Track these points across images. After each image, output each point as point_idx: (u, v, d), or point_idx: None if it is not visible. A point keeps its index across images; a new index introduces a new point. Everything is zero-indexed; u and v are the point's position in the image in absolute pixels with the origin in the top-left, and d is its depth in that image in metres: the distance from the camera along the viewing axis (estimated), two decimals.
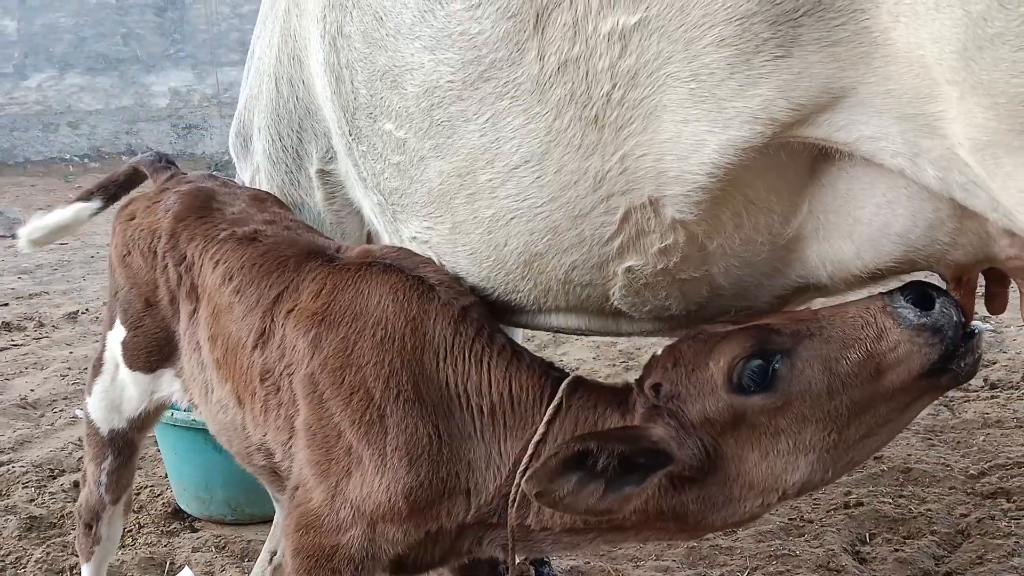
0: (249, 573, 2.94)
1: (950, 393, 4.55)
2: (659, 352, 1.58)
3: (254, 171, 2.51)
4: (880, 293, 1.42)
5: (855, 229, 1.37)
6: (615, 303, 1.65)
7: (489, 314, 1.76)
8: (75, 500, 3.45)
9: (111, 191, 2.49)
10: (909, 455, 3.84)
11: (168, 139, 14.17)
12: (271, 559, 2.80)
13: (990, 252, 1.31)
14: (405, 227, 1.85)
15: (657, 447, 1.45)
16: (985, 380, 4.68)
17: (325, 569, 1.69)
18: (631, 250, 1.51)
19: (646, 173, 1.40)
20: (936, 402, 4.42)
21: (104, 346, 2.28)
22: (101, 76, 14.09)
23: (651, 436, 1.47)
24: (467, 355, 1.66)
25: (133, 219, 2.19)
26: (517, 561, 1.67)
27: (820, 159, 1.35)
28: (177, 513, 3.47)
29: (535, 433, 1.59)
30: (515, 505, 1.59)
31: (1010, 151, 1.06)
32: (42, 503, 3.46)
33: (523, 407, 1.63)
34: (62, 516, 3.36)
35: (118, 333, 2.20)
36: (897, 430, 1.48)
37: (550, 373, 1.68)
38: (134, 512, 3.42)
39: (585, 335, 1.90)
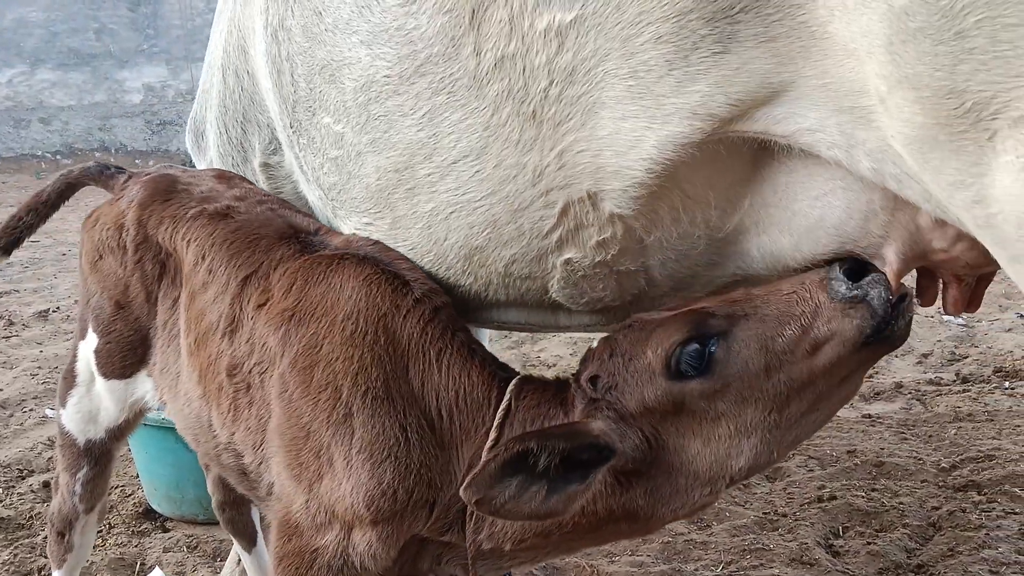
0: (220, 573, 2.91)
1: (922, 387, 4.60)
2: (595, 344, 1.56)
3: (208, 166, 2.50)
4: (815, 268, 1.42)
5: (793, 221, 1.38)
6: (553, 295, 1.65)
7: (456, 315, 1.72)
8: (44, 501, 3.42)
9: (39, 214, 2.35)
10: (882, 449, 3.87)
11: (142, 135, 14.03)
12: (240, 559, 2.77)
13: (920, 246, 1.32)
14: (345, 223, 1.83)
15: (598, 441, 1.42)
16: (957, 375, 4.74)
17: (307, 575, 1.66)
18: (570, 243, 1.51)
19: (584, 168, 1.40)
20: (909, 396, 4.47)
21: (76, 357, 2.21)
22: (73, 71, 13.93)
23: (591, 431, 1.44)
24: (430, 354, 1.62)
25: (99, 221, 2.11)
26: None
27: (761, 154, 1.36)
28: (148, 513, 3.43)
29: (487, 439, 1.56)
30: (472, 517, 1.56)
31: (935, 145, 1.07)
32: (10, 504, 3.41)
33: (472, 408, 1.60)
34: (31, 517, 3.32)
35: (90, 342, 2.14)
36: (838, 404, 1.47)
37: (498, 373, 1.65)
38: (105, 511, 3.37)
39: (524, 330, 1.89)
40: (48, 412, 4.34)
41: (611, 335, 1.54)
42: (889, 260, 1.38)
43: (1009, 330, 5.36)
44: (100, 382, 2.15)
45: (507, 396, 1.58)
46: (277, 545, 1.70)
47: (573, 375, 1.59)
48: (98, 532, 3.25)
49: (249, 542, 2.72)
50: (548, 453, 1.37)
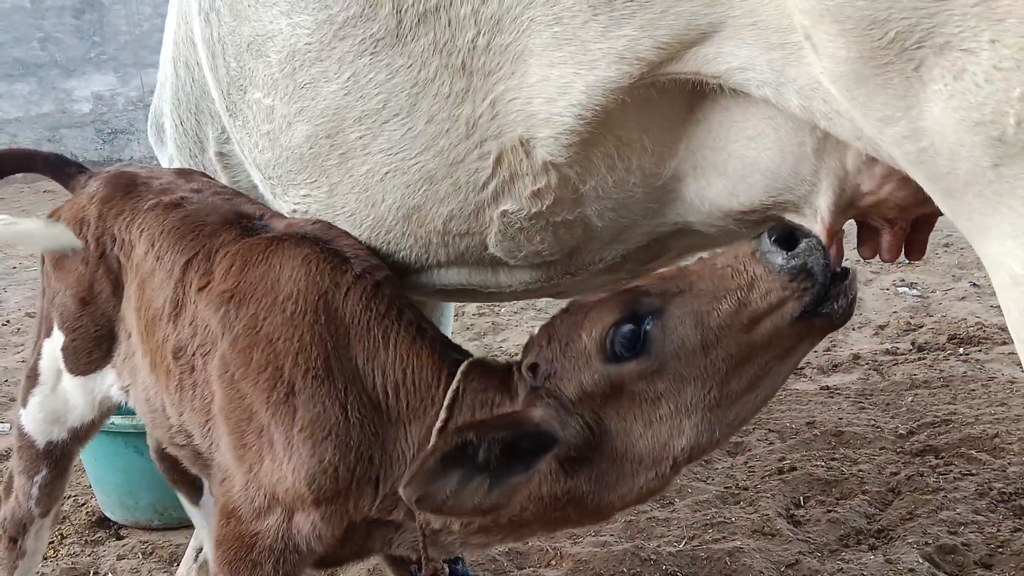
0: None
1: (879, 358, 4.65)
2: (535, 332, 1.54)
3: (169, 160, 2.51)
4: (749, 239, 1.39)
5: (729, 164, 1.37)
6: (492, 251, 1.64)
7: (400, 290, 1.71)
8: None
9: None
10: (840, 419, 3.90)
11: (93, 145, 13.77)
12: (196, 556, 2.72)
13: (849, 192, 1.31)
14: (284, 200, 1.83)
15: (539, 430, 1.40)
16: (913, 344, 4.79)
17: (245, 561, 1.62)
18: (506, 194, 1.51)
19: (516, 116, 1.40)
20: (866, 367, 4.52)
21: (40, 355, 2.16)
22: (19, 82, 13.62)
23: (532, 419, 1.41)
24: (376, 331, 1.60)
25: (60, 219, 2.08)
26: (429, 562, 1.62)
27: (695, 96, 1.35)
28: (102, 522, 3.35)
29: (436, 419, 1.54)
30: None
31: (862, 80, 1.05)
32: None
33: (422, 387, 1.58)
34: None
35: (56, 340, 2.10)
36: (780, 380, 1.44)
37: (449, 354, 1.63)
38: (57, 523, 3.29)
39: (468, 297, 1.87)
40: (1, 426, 4.23)
41: (550, 322, 1.52)
42: (821, 212, 1.37)
43: (963, 299, 5.43)
44: (68, 379, 2.12)
45: (456, 378, 1.56)
46: (217, 529, 1.67)
47: (516, 364, 1.56)
48: (50, 543, 3.17)
49: (194, 490, 2.60)
50: (488, 444, 1.34)
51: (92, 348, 2.05)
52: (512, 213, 1.53)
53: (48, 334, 2.13)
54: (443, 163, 1.50)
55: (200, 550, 2.72)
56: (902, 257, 1.52)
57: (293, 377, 1.57)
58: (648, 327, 1.36)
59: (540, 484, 1.46)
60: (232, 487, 1.66)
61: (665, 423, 1.39)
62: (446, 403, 1.54)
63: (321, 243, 1.69)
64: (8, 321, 6.02)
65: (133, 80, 13.90)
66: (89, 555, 3.11)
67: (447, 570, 2.44)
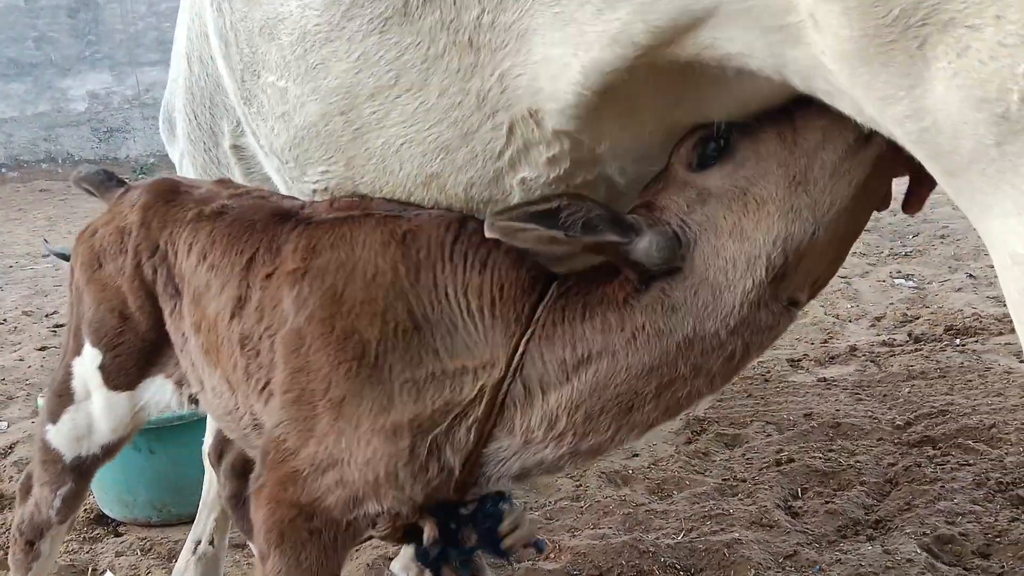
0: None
1: (876, 349, 4.66)
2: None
3: (180, 155, 2.51)
4: None
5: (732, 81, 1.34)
6: None
7: (478, 222, 1.64)
8: None
9: None
10: (838, 410, 3.91)
11: (89, 144, 13.76)
12: (195, 548, 2.72)
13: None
14: (302, 182, 1.84)
15: (628, 221, 1.44)
16: (909, 335, 4.80)
17: (303, 530, 1.57)
18: (522, 162, 1.52)
19: (524, 91, 1.41)
20: (863, 358, 4.53)
21: (71, 374, 2.11)
22: (15, 82, 13.61)
23: (622, 214, 1.46)
24: (468, 262, 1.59)
25: (96, 232, 2.05)
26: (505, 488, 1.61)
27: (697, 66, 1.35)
28: (101, 519, 3.35)
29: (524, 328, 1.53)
30: (522, 396, 1.53)
31: (865, 59, 1.05)
32: None
33: (518, 295, 1.56)
34: None
35: (91, 358, 2.05)
36: (862, 173, 1.36)
37: (535, 267, 1.61)
38: None
39: None
40: None
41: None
42: None
43: (959, 290, 5.44)
44: (104, 395, 2.08)
45: (552, 288, 1.56)
46: (270, 497, 1.60)
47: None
48: None
49: None
50: (576, 210, 1.41)
51: (139, 361, 2.03)
52: (531, 180, 1.54)
53: (78, 352, 2.08)
54: (458, 133, 1.51)
55: (199, 543, 2.72)
56: (899, 247, 1.52)
57: (383, 338, 1.55)
58: (729, 134, 1.41)
59: (641, 317, 1.45)
60: (290, 460, 1.60)
61: (751, 216, 1.38)
62: (545, 303, 1.54)
63: (389, 216, 1.67)
64: (5, 320, 6.02)
65: (128, 79, 13.89)
66: (88, 552, 3.11)
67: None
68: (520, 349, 1.53)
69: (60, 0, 13.64)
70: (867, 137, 1.35)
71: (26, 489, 2.27)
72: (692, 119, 1.46)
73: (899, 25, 1.00)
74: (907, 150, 1.15)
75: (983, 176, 1.04)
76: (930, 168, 1.13)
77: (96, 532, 3.27)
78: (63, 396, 2.14)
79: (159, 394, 2.08)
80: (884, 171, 1.41)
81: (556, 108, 1.39)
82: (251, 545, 2.71)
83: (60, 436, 2.15)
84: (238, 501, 2.59)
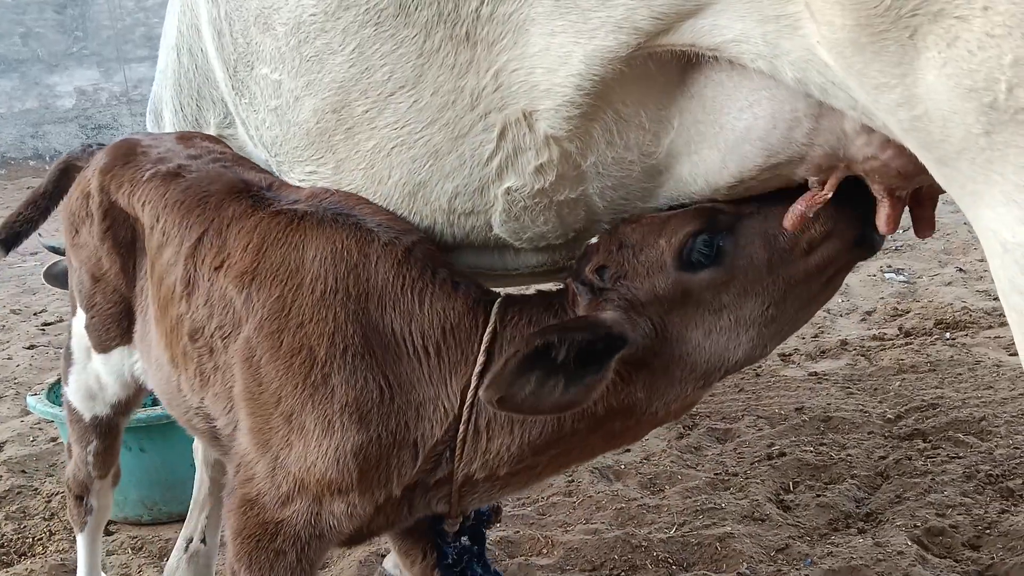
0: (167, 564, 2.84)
1: (867, 343, 4.67)
2: (592, 242, 1.57)
3: None
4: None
5: (721, 136, 1.38)
6: (497, 232, 1.64)
7: (433, 249, 1.67)
8: None
9: (38, 207, 2.35)
10: (829, 404, 3.92)
11: (77, 140, 13.64)
12: (187, 546, 2.71)
13: (847, 152, 1.32)
14: (289, 177, 1.82)
15: (612, 332, 1.44)
16: (900, 329, 4.81)
17: (268, 550, 1.60)
18: (509, 170, 1.51)
19: (519, 88, 1.41)
20: (854, 352, 4.54)
21: (71, 334, 2.22)
22: (1, 79, 13.48)
23: (605, 322, 1.45)
24: (411, 296, 1.58)
25: (72, 198, 2.09)
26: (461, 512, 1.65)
27: (688, 70, 1.36)
28: None
29: (475, 364, 1.54)
30: (464, 446, 1.55)
31: (858, 48, 1.06)
32: None
33: (462, 339, 1.57)
34: None
35: (80, 318, 2.13)
36: (823, 301, 1.54)
37: (482, 299, 1.62)
38: (45, 520, 3.28)
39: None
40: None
41: (615, 230, 1.54)
42: (815, 164, 1.37)
43: (949, 284, 5.46)
44: (95, 357, 2.15)
45: (492, 318, 1.57)
46: (236, 517, 1.63)
47: (571, 275, 1.59)
48: (38, 540, 3.16)
49: None
50: (567, 346, 1.38)
51: (110, 325, 2.06)
52: (516, 190, 1.54)
53: (74, 312, 2.16)
54: (448, 136, 1.51)
55: (191, 540, 2.71)
56: (890, 241, 1.54)
57: (330, 358, 1.55)
58: (722, 241, 1.43)
59: (602, 395, 1.47)
60: (254, 475, 1.62)
61: (724, 334, 1.46)
62: (484, 345, 1.55)
63: (342, 217, 1.65)
64: None
65: (116, 75, 13.79)
66: (77, 551, 3.09)
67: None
68: (471, 394, 1.54)
69: None
70: (839, 272, 1.47)
71: (69, 448, 2.40)
72: (668, 161, 1.47)
73: (891, 15, 1.02)
74: (899, 141, 1.16)
75: (973, 165, 1.05)
76: (922, 157, 1.14)
77: None
78: (67, 356, 2.25)
79: (131, 362, 2.10)
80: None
81: (551, 106, 1.38)
82: None
83: (75, 396, 2.27)
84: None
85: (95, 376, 2.18)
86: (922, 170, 1.20)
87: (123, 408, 2.26)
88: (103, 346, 2.10)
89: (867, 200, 1.39)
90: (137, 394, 2.24)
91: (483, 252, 1.75)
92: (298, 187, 1.80)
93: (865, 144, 1.28)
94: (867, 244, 1.45)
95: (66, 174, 2.32)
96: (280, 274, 1.62)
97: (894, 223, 1.40)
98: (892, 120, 1.11)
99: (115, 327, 2.05)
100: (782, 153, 1.35)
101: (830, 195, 1.39)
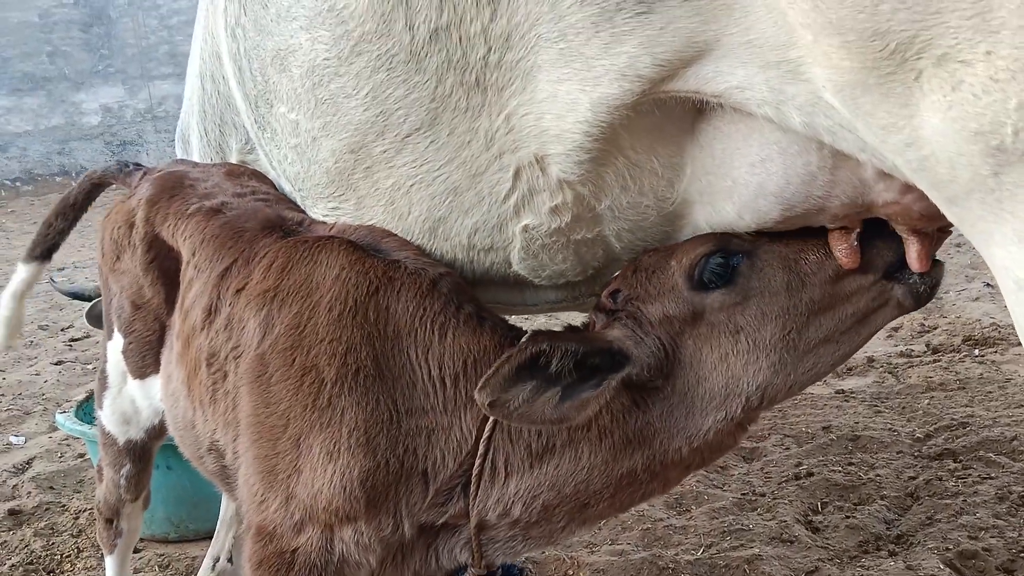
0: None
1: (894, 360, 4.61)
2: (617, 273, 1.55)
3: None
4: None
5: (734, 191, 1.37)
6: (516, 268, 1.64)
7: (460, 284, 1.66)
8: (10, 530, 3.33)
9: (67, 217, 2.39)
10: (857, 423, 3.88)
11: (102, 157, 13.81)
12: (214, 565, 2.72)
13: (867, 199, 1.31)
14: (313, 211, 1.84)
15: (612, 347, 1.40)
16: (927, 346, 4.76)
17: None
18: (526, 208, 1.51)
19: (530, 131, 1.41)
20: (881, 370, 4.49)
21: (107, 358, 2.23)
22: (28, 96, 13.69)
23: (605, 336, 1.43)
24: (430, 327, 1.55)
25: (114, 222, 2.10)
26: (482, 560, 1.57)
27: (698, 119, 1.36)
28: None
29: None
30: (479, 481, 1.49)
31: (866, 89, 1.07)
32: None
33: (484, 372, 1.52)
34: None
35: (117, 343, 2.14)
36: (856, 343, 1.44)
37: (508, 334, 1.58)
38: (72, 537, 3.30)
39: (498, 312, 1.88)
40: (12, 439, 4.24)
41: (637, 257, 1.53)
42: (833, 213, 1.36)
43: (976, 299, 5.40)
44: (131, 383, 2.17)
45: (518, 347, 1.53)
46: (253, 550, 1.60)
47: (594, 305, 1.57)
48: (67, 557, 3.18)
49: None
50: (561, 355, 1.35)
51: (147, 352, 2.07)
52: (533, 228, 1.54)
53: (110, 336, 2.16)
54: (466, 174, 1.51)
55: (217, 559, 2.72)
56: None
57: (341, 380, 1.52)
58: (737, 262, 1.40)
59: (612, 422, 1.44)
60: (267, 504, 1.59)
61: (741, 358, 1.39)
62: (522, 344, 1.49)
63: (368, 247, 1.65)
64: (21, 334, 6.03)
65: (141, 92, 13.97)
66: (105, 570, 3.11)
67: (500, 572, 2.39)
68: (489, 428, 1.50)
69: (73, 15, 13.74)
70: (875, 309, 1.38)
71: (99, 471, 2.41)
72: (683, 208, 1.46)
73: (896, 58, 1.03)
74: (909, 181, 1.16)
75: (983, 204, 1.05)
76: (932, 196, 1.15)
77: None
78: (101, 380, 2.27)
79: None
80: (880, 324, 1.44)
81: (562, 151, 1.39)
82: None
83: (109, 420, 2.28)
84: None
85: (130, 401, 2.20)
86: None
87: (157, 433, 2.26)
88: (140, 372, 2.11)
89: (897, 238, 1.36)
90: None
91: (503, 289, 1.75)
92: (329, 225, 1.80)
93: (885, 190, 1.27)
94: (904, 285, 1.38)
95: (98, 188, 2.38)
96: (301, 291, 1.61)
97: (926, 259, 1.38)
98: (900, 161, 1.11)
99: (152, 354, 2.06)
100: (799, 207, 1.34)
101: (856, 228, 1.37)
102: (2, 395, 4.85)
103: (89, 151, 13.76)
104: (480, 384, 1.33)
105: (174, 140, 2.86)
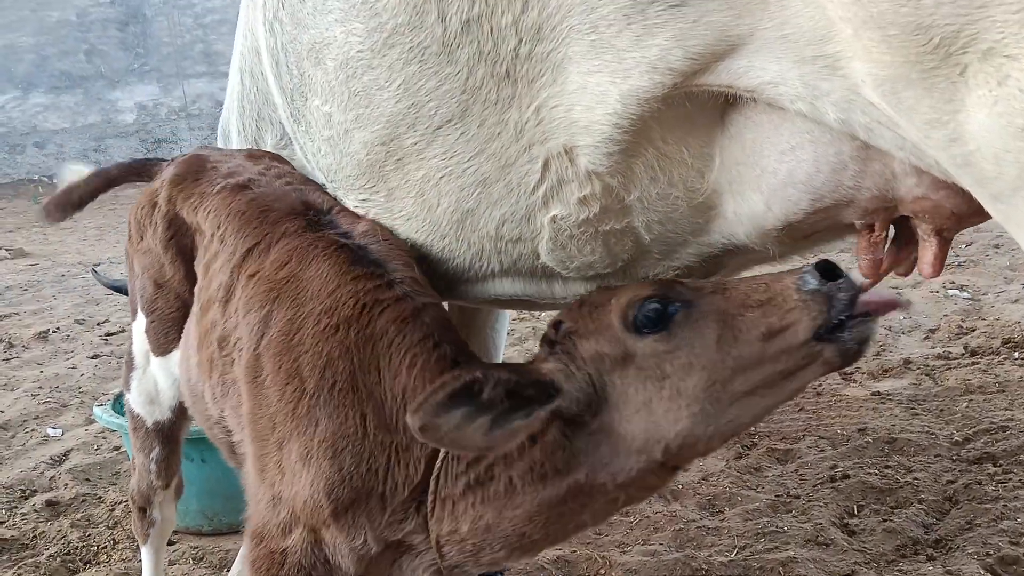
0: None
1: (931, 362, 4.54)
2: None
3: None
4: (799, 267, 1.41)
5: (763, 179, 1.36)
6: (544, 260, 1.65)
7: (445, 320, 1.70)
8: (48, 520, 3.39)
9: (93, 185, 2.45)
10: (893, 425, 3.82)
11: (137, 154, 14.01)
12: None
13: (897, 194, 1.29)
14: (344, 203, 1.86)
15: (544, 379, 1.43)
16: (965, 347, 4.68)
17: None
18: (555, 199, 1.52)
19: (559, 123, 1.41)
20: (918, 372, 4.42)
21: (132, 339, 2.27)
22: (66, 94, 13.92)
23: (538, 368, 1.46)
24: (404, 356, 1.60)
25: (139, 204, 2.16)
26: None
27: (728, 110, 1.35)
28: None
29: None
30: (432, 504, 1.55)
31: (908, 84, 1.05)
32: (13, 524, 3.37)
33: None
34: (34, 537, 3.28)
35: (140, 323, 2.19)
36: (781, 398, 1.45)
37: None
38: (108, 528, 3.34)
39: (524, 306, 1.88)
40: (49, 431, 4.31)
41: (588, 292, 1.56)
42: (863, 207, 1.34)
43: (1016, 301, 5.30)
44: (153, 361, 2.21)
45: None
46: (249, 549, 1.67)
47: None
48: (103, 548, 3.22)
49: None
50: (493, 384, 1.37)
51: (169, 328, 2.12)
52: (561, 219, 1.54)
53: (134, 316, 2.21)
54: (496, 165, 1.52)
55: None
56: (952, 257, 1.48)
57: (318, 391, 1.58)
58: (673, 310, 1.41)
59: (541, 454, 1.47)
60: (259, 504, 1.66)
61: (663, 404, 1.41)
62: (457, 372, 1.55)
63: (374, 262, 1.69)
64: (58, 328, 6.13)
65: (175, 90, 14.15)
66: (141, 560, 3.14)
67: None
68: (440, 458, 1.55)
69: (110, 14, 13.95)
70: (802, 367, 1.37)
71: (133, 460, 2.43)
72: (713, 199, 1.45)
73: (940, 53, 1.01)
74: (951, 179, 1.13)
75: None
76: (975, 193, 1.12)
77: None
78: (128, 361, 2.31)
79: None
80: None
81: (591, 143, 1.39)
82: None
83: (137, 401, 2.31)
84: None
85: (153, 381, 2.24)
86: (976, 211, 1.18)
87: (181, 411, 2.28)
88: (161, 349, 2.16)
89: (847, 298, 1.31)
90: None
91: (531, 280, 1.76)
92: (356, 217, 1.84)
93: (916, 185, 1.25)
94: (831, 341, 1.34)
95: (132, 171, 2.43)
96: (298, 298, 1.67)
97: (939, 266, 1.36)
98: (943, 156, 1.09)
99: (175, 330, 2.11)
100: (828, 197, 1.32)
101: (883, 234, 1.35)
102: (40, 388, 4.93)
103: (124, 148, 13.96)
104: (413, 407, 1.35)
105: (208, 138, 2.91)
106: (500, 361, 1.68)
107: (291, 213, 1.82)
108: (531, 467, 1.49)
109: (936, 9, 0.99)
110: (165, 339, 2.13)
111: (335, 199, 1.94)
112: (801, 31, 1.13)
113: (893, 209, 1.34)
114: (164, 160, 2.38)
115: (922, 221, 1.33)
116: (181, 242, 2.01)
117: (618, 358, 1.43)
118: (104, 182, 2.45)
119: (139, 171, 2.42)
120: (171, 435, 2.33)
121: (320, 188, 2.00)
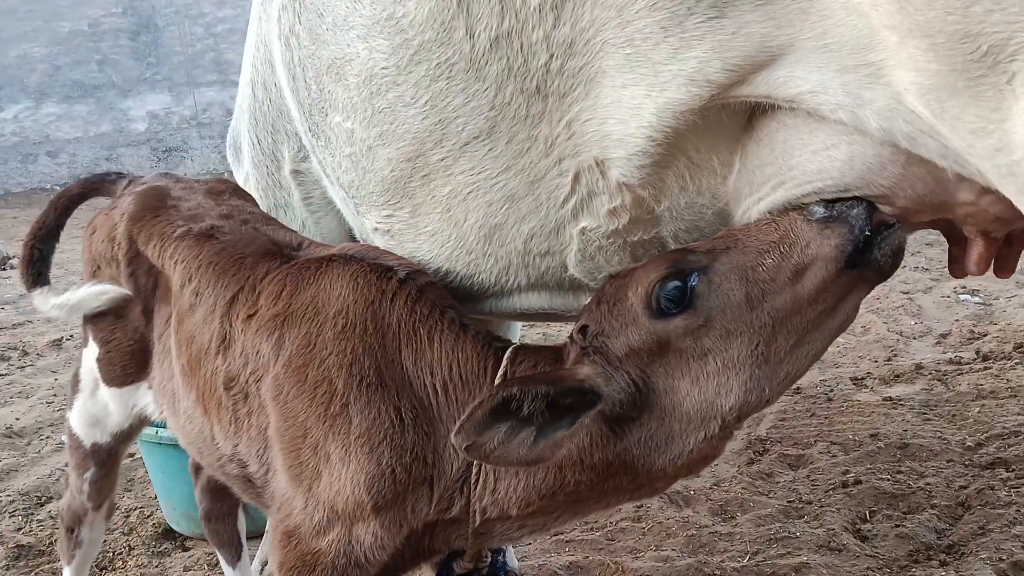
0: None
1: (943, 367, 4.53)
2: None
3: (245, 177, 2.59)
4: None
5: (790, 175, 1.34)
6: (572, 272, 1.65)
7: (445, 292, 1.73)
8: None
9: (44, 238, 2.37)
10: (905, 431, 3.81)
11: (148, 163, 14.09)
12: (262, 568, 2.76)
13: (940, 199, 1.27)
14: (367, 218, 1.86)
15: (582, 386, 1.41)
16: (977, 352, 4.67)
17: None
18: (584, 211, 1.51)
19: (592, 137, 1.40)
20: (929, 377, 4.41)
21: (80, 363, 2.26)
22: (78, 104, 14.01)
23: (576, 376, 1.43)
24: (422, 333, 1.62)
25: (95, 232, 2.15)
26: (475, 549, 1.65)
27: (757, 112, 1.33)
28: (168, 533, 3.41)
29: None
30: (476, 485, 1.56)
31: (954, 92, 1.04)
32: (29, 531, 3.40)
33: (469, 380, 1.60)
34: (50, 543, 3.30)
35: (92, 350, 2.18)
36: (831, 336, 1.41)
37: (493, 344, 1.65)
38: (124, 535, 3.37)
39: (549, 319, 1.88)
40: (63, 439, 4.33)
41: (601, 286, 1.54)
42: (902, 207, 1.33)
43: None
44: (104, 389, 2.20)
45: (503, 364, 1.59)
46: (279, 553, 1.68)
47: (570, 333, 1.58)
48: (118, 555, 3.25)
49: (234, 555, 2.74)
50: (532, 398, 1.36)
51: (126, 362, 2.11)
52: (591, 230, 1.54)
53: (86, 343, 2.21)
54: (524, 180, 1.51)
55: (266, 562, 2.75)
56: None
57: (348, 389, 1.59)
58: (693, 283, 1.37)
59: (591, 449, 1.47)
60: (291, 508, 1.67)
61: (713, 380, 1.38)
62: (495, 389, 1.54)
63: (366, 259, 1.73)
64: (72, 336, 6.16)
65: (186, 99, 14.22)
66: (156, 566, 3.17)
67: (488, 557, 2.43)
68: None
69: (122, 23, 14.04)
70: (841, 298, 1.34)
71: (67, 477, 2.41)
72: (734, 206, 1.44)
73: (988, 61, 1.00)
74: (994, 187, 1.13)
75: None
76: (1019, 203, 1.11)
77: (164, 547, 3.33)
78: (74, 383, 2.30)
79: (145, 400, 2.15)
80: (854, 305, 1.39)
81: (623, 155, 1.38)
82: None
83: (77, 423, 2.29)
84: (211, 517, 2.72)
85: (103, 405, 2.22)
86: (1021, 215, 1.16)
87: (123, 437, 2.29)
88: (120, 380, 2.14)
89: (863, 213, 1.29)
90: (139, 426, 2.29)
91: (557, 293, 1.75)
92: (328, 245, 1.88)
93: (958, 190, 1.23)
94: (866, 263, 1.31)
95: (91, 187, 2.39)
96: (308, 313, 1.69)
97: (986, 264, 1.34)
98: (988, 165, 1.08)
99: (132, 364, 2.11)
100: (859, 191, 1.30)
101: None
102: (54, 395, 4.96)
103: (136, 157, 14.04)
104: (456, 428, 1.36)
105: (218, 146, 2.90)
106: (518, 342, 1.68)
107: (266, 254, 1.85)
108: (581, 463, 1.49)
109: (985, 17, 0.98)
110: (122, 371, 2.12)
111: (301, 235, 1.97)
112: (843, 40, 1.12)
113: (935, 210, 1.32)
114: (122, 175, 2.35)
115: (967, 223, 1.32)
116: (139, 279, 2.02)
117: (654, 348, 1.41)
118: (70, 201, 2.40)
119: (97, 187, 2.39)
120: (109, 457, 2.32)
121: (283, 226, 2.03)
